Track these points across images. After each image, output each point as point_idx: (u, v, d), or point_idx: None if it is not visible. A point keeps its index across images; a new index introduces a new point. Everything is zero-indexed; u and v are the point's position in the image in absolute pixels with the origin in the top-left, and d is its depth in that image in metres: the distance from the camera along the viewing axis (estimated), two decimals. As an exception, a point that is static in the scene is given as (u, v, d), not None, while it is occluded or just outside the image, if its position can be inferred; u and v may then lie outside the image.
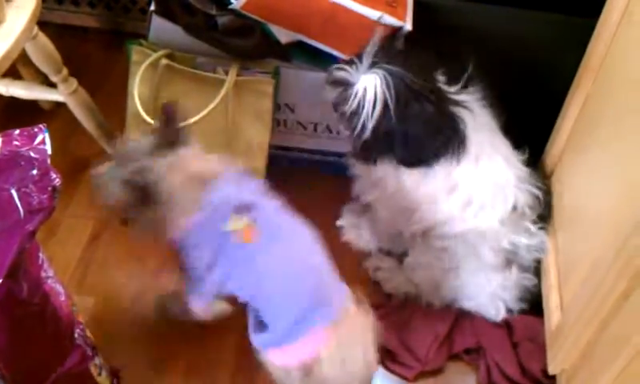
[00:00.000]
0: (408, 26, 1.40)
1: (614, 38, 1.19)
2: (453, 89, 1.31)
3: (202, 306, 1.22)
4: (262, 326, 1.14)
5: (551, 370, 1.25)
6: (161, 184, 1.10)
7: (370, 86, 1.21)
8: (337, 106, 1.29)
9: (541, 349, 1.31)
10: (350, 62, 1.26)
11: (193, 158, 1.15)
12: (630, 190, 1.00)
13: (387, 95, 1.20)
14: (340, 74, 1.26)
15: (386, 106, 1.21)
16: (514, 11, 1.46)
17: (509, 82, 1.48)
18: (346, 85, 1.25)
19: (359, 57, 1.24)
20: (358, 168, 1.41)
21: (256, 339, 1.14)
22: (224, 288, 1.17)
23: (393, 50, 1.28)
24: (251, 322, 1.16)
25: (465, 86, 1.32)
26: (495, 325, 1.40)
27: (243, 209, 1.13)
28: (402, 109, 1.21)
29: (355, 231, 1.56)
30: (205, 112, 1.40)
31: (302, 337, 1.08)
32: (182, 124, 1.19)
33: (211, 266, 1.14)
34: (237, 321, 1.40)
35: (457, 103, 1.28)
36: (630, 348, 0.94)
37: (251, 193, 1.17)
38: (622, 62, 1.16)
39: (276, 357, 1.12)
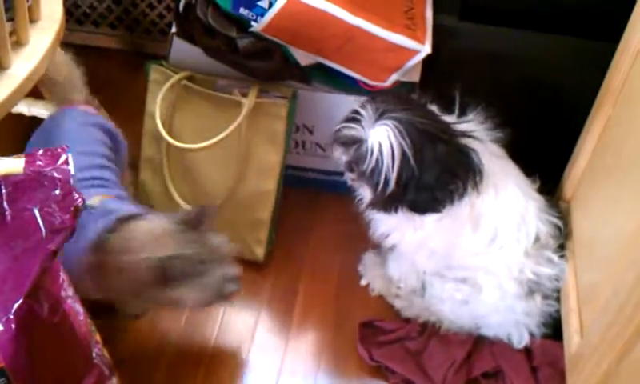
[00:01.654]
0: (427, 48, 1.40)
1: (635, 63, 1.19)
2: (453, 119, 1.31)
3: None
4: None
5: (570, 397, 1.23)
6: None
7: (383, 138, 1.20)
8: (352, 165, 1.28)
9: (560, 374, 1.29)
10: (354, 119, 1.25)
11: None
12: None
13: (403, 143, 1.19)
14: (350, 133, 1.25)
15: (403, 154, 1.20)
16: (531, 35, 1.46)
17: (523, 107, 1.49)
18: (358, 142, 1.24)
19: (360, 111, 1.24)
20: (376, 215, 1.39)
21: None
22: None
23: (392, 97, 1.28)
24: None
25: (462, 114, 1.32)
26: (514, 349, 1.39)
27: None
28: (420, 154, 1.20)
29: (375, 274, 1.54)
30: (222, 135, 1.41)
31: None
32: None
33: None
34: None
35: (465, 135, 1.28)
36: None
37: None
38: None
39: None
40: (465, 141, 1.27)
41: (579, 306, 1.25)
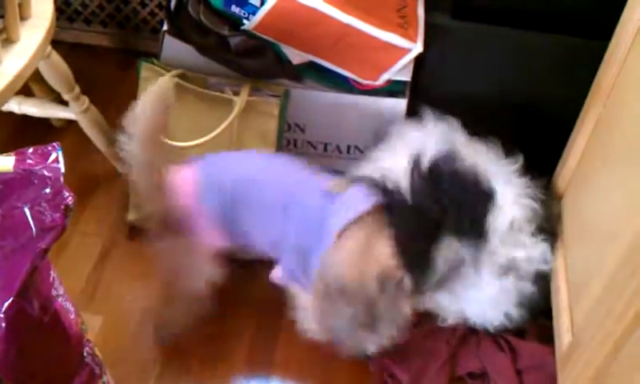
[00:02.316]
0: (419, 47, 1.40)
1: (626, 61, 1.19)
2: None
3: None
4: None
5: (561, 394, 1.24)
6: None
7: None
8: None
9: (546, 378, 1.30)
10: None
11: None
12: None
13: None
14: None
15: None
16: (524, 33, 1.46)
17: (516, 105, 1.49)
18: None
19: None
20: None
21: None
22: None
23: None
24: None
25: None
26: (501, 350, 1.39)
27: None
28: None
29: None
30: (214, 133, 1.41)
31: None
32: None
33: None
34: (247, 338, 1.41)
35: None
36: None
37: None
38: (633, 84, 1.16)
39: None
40: None
41: (570, 304, 1.25)
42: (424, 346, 1.39)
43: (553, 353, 1.30)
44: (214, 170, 1.26)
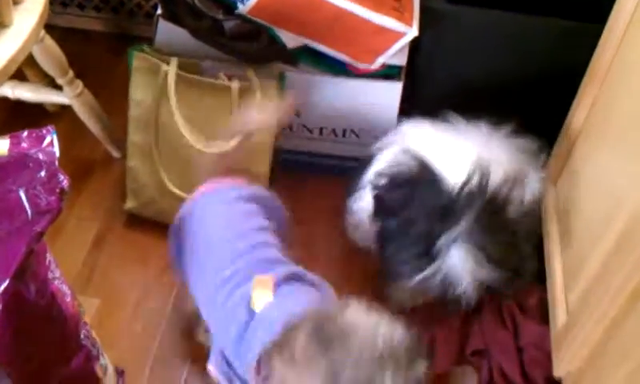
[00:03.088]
0: (415, 31, 1.40)
1: (622, 43, 1.19)
2: None
3: None
4: None
5: (556, 373, 1.24)
6: None
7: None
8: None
9: (546, 357, 1.30)
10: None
11: None
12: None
13: None
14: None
15: None
16: (519, 17, 1.46)
17: (511, 88, 1.49)
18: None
19: None
20: None
21: None
22: None
23: None
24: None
25: None
26: (504, 327, 1.40)
27: None
28: None
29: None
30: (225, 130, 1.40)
31: None
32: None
33: None
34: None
35: None
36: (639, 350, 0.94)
37: None
38: (629, 67, 1.16)
39: None
40: None
41: (565, 284, 1.26)
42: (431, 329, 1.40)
43: None
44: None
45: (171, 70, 1.43)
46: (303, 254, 1.53)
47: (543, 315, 1.39)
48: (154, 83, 1.46)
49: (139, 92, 1.46)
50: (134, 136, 1.53)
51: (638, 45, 1.14)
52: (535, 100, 1.52)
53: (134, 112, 1.51)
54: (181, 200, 1.50)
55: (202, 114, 1.44)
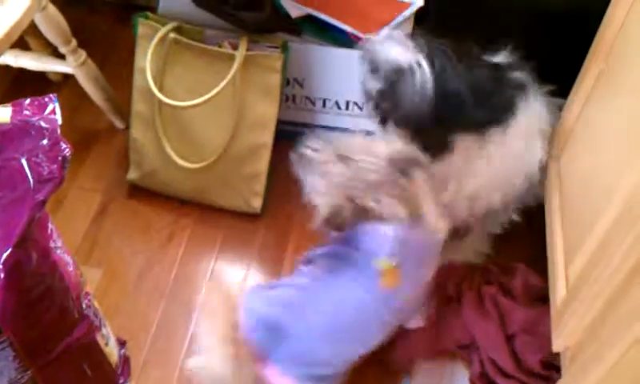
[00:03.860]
0: (420, 1, 1.39)
1: (629, 13, 1.18)
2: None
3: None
4: None
5: (555, 348, 1.24)
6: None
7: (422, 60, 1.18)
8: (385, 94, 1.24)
9: (538, 340, 1.30)
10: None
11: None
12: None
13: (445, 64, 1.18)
14: (388, 57, 1.21)
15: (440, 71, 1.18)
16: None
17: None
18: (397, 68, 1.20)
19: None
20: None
21: None
22: None
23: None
24: None
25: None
26: (486, 317, 1.38)
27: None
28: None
29: None
30: (217, 90, 1.40)
31: None
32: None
33: None
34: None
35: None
36: (638, 325, 0.94)
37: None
38: (637, 37, 1.15)
39: None
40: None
41: (565, 259, 1.26)
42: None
43: (542, 314, 1.31)
44: None
45: (170, 32, 1.44)
46: (300, 233, 1.55)
47: (530, 297, 1.39)
48: (159, 50, 1.45)
49: (144, 60, 1.46)
50: (138, 106, 1.53)
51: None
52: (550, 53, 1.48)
53: (138, 81, 1.51)
54: (183, 170, 1.51)
55: (204, 81, 1.43)
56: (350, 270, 1.15)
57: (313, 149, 1.11)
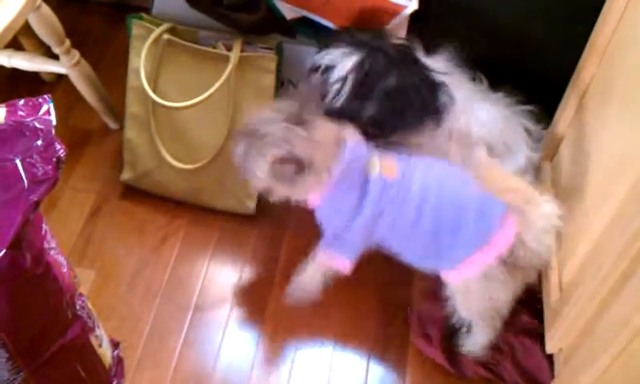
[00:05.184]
0: (414, 4, 1.39)
1: (622, 19, 1.19)
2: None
3: (350, 261, 1.26)
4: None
5: (548, 350, 1.25)
6: (311, 154, 1.16)
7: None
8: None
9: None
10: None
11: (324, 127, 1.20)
12: (636, 173, 1.00)
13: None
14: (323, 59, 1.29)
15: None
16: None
17: (509, 61, 1.48)
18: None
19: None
20: None
21: (435, 265, 1.21)
22: (372, 236, 1.22)
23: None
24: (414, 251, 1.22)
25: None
26: None
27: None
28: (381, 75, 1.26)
29: None
30: (209, 92, 1.40)
31: (493, 233, 1.13)
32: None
33: (358, 212, 1.19)
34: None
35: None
36: (630, 328, 0.94)
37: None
38: (630, 43, 1.16)
39: (467, 270, 1.16)
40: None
41: (559, 261, 1.27)
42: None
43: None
44: None
45: (164, 33, 1.44)
46: (294, 235, 1.55)
47: None
48: (153, 51, 1.45)
49: (138, 61, 1.45)
50: (132, 106, 1.53)
51: (638, 19, 1.13)
52: (536, 70, 1.50)
53: (132, 81, 1.51)
54: (178, 171, 1.50)
55: (199, 82, 1.43)
56: None
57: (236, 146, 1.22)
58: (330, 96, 1.27)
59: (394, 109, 1.27)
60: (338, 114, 1.26)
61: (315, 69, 1.31)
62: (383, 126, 1.29)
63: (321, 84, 1.28)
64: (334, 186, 1.18)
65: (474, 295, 1.20)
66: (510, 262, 1.13)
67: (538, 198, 1.11)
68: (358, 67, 1.25)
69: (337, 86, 1.26)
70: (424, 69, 1.30)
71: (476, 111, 1.34)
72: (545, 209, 1.12)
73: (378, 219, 1.19)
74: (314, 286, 1.31)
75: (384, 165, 1.20)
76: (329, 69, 1.28)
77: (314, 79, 1.31)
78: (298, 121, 1.17)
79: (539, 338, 1.30)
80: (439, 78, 1.30)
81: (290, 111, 1.18)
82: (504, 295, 1.19)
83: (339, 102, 1.26)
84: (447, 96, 1.30)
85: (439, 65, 1.33)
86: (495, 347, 1.33)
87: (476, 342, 1.33)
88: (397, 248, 1.23)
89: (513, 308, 1.25)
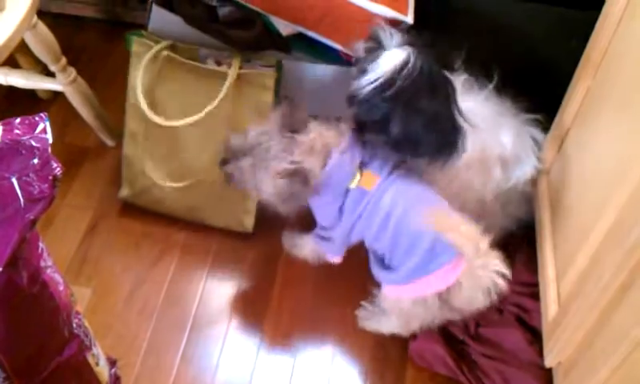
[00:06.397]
0: (409, 19, 1.40)
1: (616, 33, 1.19)
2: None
3: (337, 256, 1.37)
4: (383, 263, 1.28)
5: (547, 364, 1.25)
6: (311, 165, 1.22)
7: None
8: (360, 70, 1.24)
9: None
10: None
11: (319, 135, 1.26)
12: (633, 184, 1.00)
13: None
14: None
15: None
16: (515, 3, 1.45)
17: (504, 74, 1.48)
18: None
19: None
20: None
21: (381, 276, 1.29)
22: (351, 238, 1.32)
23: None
24: (372, 259, 1.31)
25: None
26: None
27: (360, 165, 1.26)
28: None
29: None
30: (209, 108, 1.40)
31: (437, 270, 1.19)
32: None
33: (339, 218, 1.28)
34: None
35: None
36: (630, 340, 0.94)
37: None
38: (624, 56, 1.16)
39: (405, 291, 1.25)
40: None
41: (557, 275, 1.27)
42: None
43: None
44: None
45: (163, 48, 1.44)
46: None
47: None
48: (152, 67, 1.45)
49: (137, 78, 1.45)
50: (131, 123, 1.53)
51: (632, 33, 1.14)
52: (534, 85, 1.51)
53: (131, 98, 1.50)
54: (175, 189, 1.50)
55: (197, 99, 1.43)
56: None
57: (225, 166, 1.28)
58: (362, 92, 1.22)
59: (416, 134, 1.21)
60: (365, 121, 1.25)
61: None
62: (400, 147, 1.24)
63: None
64: (321, 193, 1.24)
65: (403, 310, 1.27)
66: (444, 298, 1.21)
67: (487, 252, 1.15)
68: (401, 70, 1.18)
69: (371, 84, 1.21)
70: (454, 96, 1.24)
71: (498, 134, 1.34)
72: (490, 265, 1.16)
73: (356, 223, 1.27)
74: (310, 258, 1.41)
75: (364, 175, 1.25)
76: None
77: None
78: (292, 127, 1.22)
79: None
80: (464, 105, 1.25)
81: (282, 119, 1.23)
82: (430, 319, 1.27)
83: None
84: (470, 125, 1.24)
85: (460, 86, 1.30)
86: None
87: (386, 325, 1.39)
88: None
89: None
